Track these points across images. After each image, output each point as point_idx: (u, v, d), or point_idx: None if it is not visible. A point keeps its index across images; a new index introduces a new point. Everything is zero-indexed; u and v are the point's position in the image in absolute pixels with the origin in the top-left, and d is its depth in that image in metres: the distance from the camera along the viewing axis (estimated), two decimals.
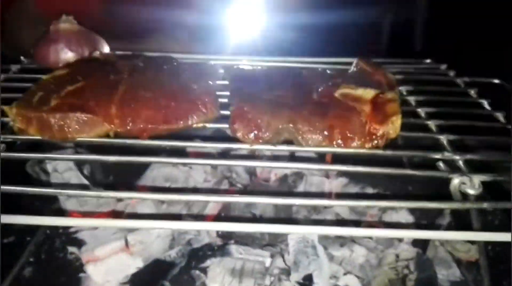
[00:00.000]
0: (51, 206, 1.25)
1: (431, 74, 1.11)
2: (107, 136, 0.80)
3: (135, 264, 1.08)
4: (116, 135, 0.80)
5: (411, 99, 0.98)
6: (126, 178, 1.37)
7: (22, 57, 1.08)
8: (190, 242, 1.15)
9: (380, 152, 0.86)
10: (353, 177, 1.40)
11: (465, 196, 0.68)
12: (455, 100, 0.97)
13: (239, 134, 0.85)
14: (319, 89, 1.01)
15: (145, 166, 1.35)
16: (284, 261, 1.08)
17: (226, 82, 0.97)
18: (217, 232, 1.20)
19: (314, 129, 0.91)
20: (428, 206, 0.71)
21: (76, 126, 0.79)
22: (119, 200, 1.29)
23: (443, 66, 1.15)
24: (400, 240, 1.19)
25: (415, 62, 1.18)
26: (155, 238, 1.14)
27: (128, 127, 0.81)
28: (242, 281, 1.02)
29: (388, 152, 0.85)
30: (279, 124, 0.91)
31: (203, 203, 1.25)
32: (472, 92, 1.00)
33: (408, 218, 1.26)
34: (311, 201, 0.75)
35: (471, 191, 0.68)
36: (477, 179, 0.69)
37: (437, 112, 0.92)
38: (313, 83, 0.99)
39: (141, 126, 0.81)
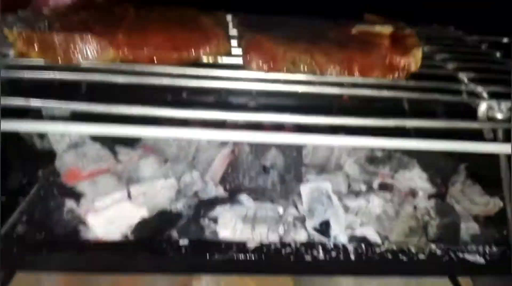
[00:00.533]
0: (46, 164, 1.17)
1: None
2: None
3: (139, 214, 1.01)
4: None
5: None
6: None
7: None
8: (197, 194, 1.08)
9: (402, 82, 0.82)
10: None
11: None
12: (467, 50, 0.96)
13: (253, 65, 0.80)
14: (335, 28, 0.98)
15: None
16: (297, 210, 1.02)
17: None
18: (225, 186, 1.13)
19: (333, 60, 0.87)
20: (459, 125, 0.68)
21: (82, 49, 0.74)
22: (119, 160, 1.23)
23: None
24: (414, 194, 1.15)
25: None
26: (159, 189, 1.07)
27: (136, 53, 0.76)
28: (255, 228, 0.96)
29: (411, 82, 0.82)
30: (295, 54, 0.87)
31: (210, 157, 1.19)
32: (483, 46, 1.00)
33: (422, 176, 1.22)
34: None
35: (499, 116, 0.66)
36: (505, 104, 0.67)
37: (451, 58, 0.90)
38: (328, 24, 0.96)
39: (150, 52, 0.77)
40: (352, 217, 1.03)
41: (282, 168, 1.11)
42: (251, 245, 0.87)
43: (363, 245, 0.89)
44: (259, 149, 1.15)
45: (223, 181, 1.15)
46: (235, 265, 0.87)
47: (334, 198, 1.03)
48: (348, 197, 1.08)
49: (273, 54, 0.86)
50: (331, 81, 0.81)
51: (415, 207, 1.06)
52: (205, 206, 1.02)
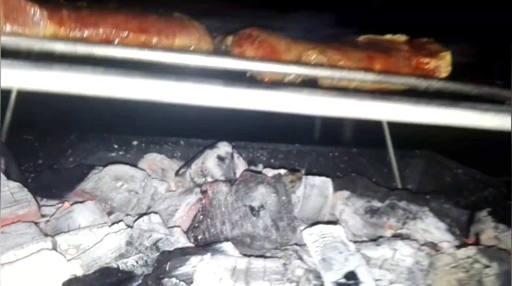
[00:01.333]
0: None
1: None
2: None
3: (69, 271, 0.65)
4: None
5: None
6: None
7: None
8: (157, 244, 0.75)
9: (436, 82, 0.64)
10: None
11: None
12: None
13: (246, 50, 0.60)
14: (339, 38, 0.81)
15: None
16: (303, 261, 0.73)
17: None
18: (196, 236, 0.82)
19: (348, 58, 0.68)
20: None
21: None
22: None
23: None
24: (435, 246, 0.89)
25: None
26: (100, 240, 0.73)
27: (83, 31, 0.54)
28: (251, 284, 0.64)
29: (449, 84, 0.64)
30: (303, 49, 0.68)
31: (171, 208, 0.89)
32: None
33: (439, 226, 0.98)
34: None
35: None
36: None
37: None
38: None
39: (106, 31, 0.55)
40: (376, 271, 0.75)
41: (274, 207, 0.83)
42: None
43: None
44: (242, 187, 0.87)
45: (193, 230, 0.84)
46: None
47: (351, 245, 0.75)
48: (367, 245, 0.80)
49: (273, 49, 0.66)
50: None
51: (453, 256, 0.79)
52: (170, 260, 0.69)
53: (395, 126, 1.39)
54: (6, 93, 1.12)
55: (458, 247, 0.89)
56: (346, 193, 1.12)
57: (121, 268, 0.69)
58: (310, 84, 0.68)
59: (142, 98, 0.51)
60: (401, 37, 0.83)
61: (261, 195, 0.84)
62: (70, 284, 0.62)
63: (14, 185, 0.83)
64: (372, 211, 1.06)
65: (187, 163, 1.09)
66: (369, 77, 0.62)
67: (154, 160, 1.16)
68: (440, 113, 0.57)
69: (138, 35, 0.64)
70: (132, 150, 1.28)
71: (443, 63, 0.75)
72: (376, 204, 1.09)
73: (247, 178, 0.90)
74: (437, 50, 0.77)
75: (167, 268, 0.67)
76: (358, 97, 0.55)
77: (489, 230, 0.92)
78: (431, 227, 0.97)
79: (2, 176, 0.83)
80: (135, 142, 1.29)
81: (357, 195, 1.14)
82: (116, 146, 1.27)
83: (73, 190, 0.95)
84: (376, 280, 0.72)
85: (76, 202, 0.86)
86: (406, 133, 1.58)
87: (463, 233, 1.01)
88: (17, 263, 0.64)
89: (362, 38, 0.83)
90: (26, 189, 0.84)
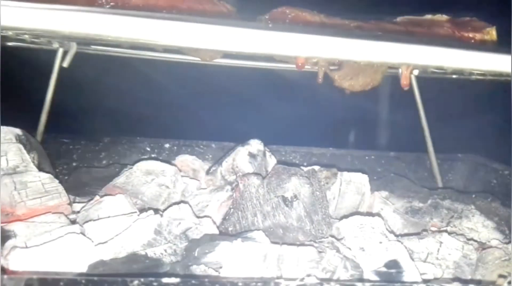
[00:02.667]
0: None
1: None
2: None
3: (95, 254, 0.64)
4: None
5: None
6: None
7: None
8: (186, 234, 0.72)
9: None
10: None
11: None
12: None
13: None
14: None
15: None
16: (339, 252, 0.68)
17: None
18: (226, 228, 0.79)
19: (387, 31, 0.65)
20: None
21: None
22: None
23: None
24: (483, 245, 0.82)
25: None
26: (128, 228, 0.71)
27: None
28: (283, 272, 0.60)
29: None
30: (338, 25, 0.65)
31: (201, 204, 0.86)
32: None
33: (487, 224, 0.91)
34: None
35: None
36: None
37: None
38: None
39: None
40: (420, 264, 0.69)
41: (308, 198, 0.79)
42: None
43: None
44: (274, 180, 0.83)
45: (224, 223, 0.81)
46: None
47: (392, 236, 0.70)
48: (409, 238, 0.74)
49: (305, 19, 0.63)
50: None
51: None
52: (199, 246, 0.66)
53: (435, 129, 1.33)
54: (42, 94, 1.15)
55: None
56: (384, 193, 1.06)
57: (149, 255, 0.67)
58: None
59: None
60: (442, 17, 0.79)
61: (294, 186, 0.80)
62: (96, 267, 0.60)
63: (45, 176, 0.83)
64: (414, 211, 1.00)
65: (218, 161, 1.06)
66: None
67: (185, 161, 1.15)
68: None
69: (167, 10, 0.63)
70: (164, 152, 1.27)
71: (488, 39, 0.70)
72: (418, 204, 1.03)
73: (279, 171, 0.86)
74: (482, 26, 0.72)
75: (196, 255, 0.64)
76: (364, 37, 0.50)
77: None
78: (478, 226, 0.90)
79: (34, 167, 0.84)
80: (167, 145, 1.28)
81: (396, 196, 1.08)
82: (148, 149, 1.27)
83: (105, 186, 0.94)
84: (420, 274, 0.66)
85: (106, 195, 0.85)
86: (448, 138, 1.51)
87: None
88: (45, 245, 0.63)
89: (400, 18, 0.80)
90: (57, 181, 0.83)
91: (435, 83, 1.38)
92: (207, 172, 1.07)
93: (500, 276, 0.63)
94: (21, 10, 0.46)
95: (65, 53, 1.14)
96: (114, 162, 1.22)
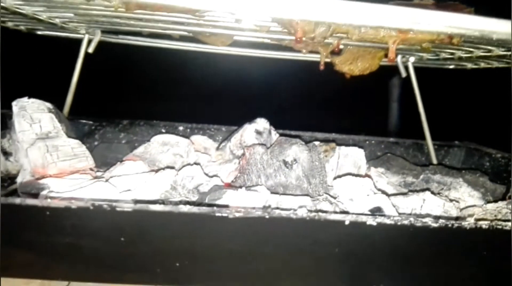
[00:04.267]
0: None
1: None
2: None
3: (117, 196, 0.74)
4: None
5: None
6: None
7: None
8: (198, 188, 0.82)
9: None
10: None
11: None
12: None
13: None
14: None
15: None
16: (332, 204, 0.77)
17: None
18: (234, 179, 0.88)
19: None
20: None
21: None
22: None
23: None
24: None
25: None
26: (148, 183, 0.81)
27: None
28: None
29: None
30: None
31: (211, 173, 0.96)
32: None
33: (473, 194, 0.99)
34: None
35: None
36: None
37: None
38: None
39: None
40: None
41: (306, 163, 0.88)
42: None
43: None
44: (277, 148, 0.93)
45: (231, 186, 0.90)
46: None
47: (380, 194, 0.79)
48: (396, 197, 0.83)
49: None
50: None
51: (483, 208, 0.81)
52: (209, 196, 0.76)
53: (433, 116, 1.42)
54: (68, 77, 1.27)
55: None
56: (381, 169, 1.15)
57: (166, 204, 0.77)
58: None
59: None
60: (428, 1, 0.88)
61: (294, 152, 0.89)
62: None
63: (74, 141, 0.93)
64: (407, 185, 1.09)
65: (227, 138, 1.16)
66: None
67: (197, 140, 1.25)
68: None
69: None
70: (178, 134, 1.37)
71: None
72: (411, 179, 1.11)
73: (282, 141, 0.96)
74: (462, 8, 0.81)
75: (206, 200, 0.74)
76: None
77: None
78: (465, 195, 0.99)
79: (63, 134, 0.94)
80: (180, 128, 1.38)
81: (392, 172, 1.16)
82: (163, 131, 1.37)
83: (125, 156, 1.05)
84: None
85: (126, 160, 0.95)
86: (444, 126, 1.60)
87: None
88: (76, 191, 0.73)
89: (392, 2, 0.89)
90: (84, 146, 0.94)
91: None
92: (217, 148, 1.17)
93: (469, 215, 0.72)
94: None
95: (89, 41, 1.25)
96: (133, 141, 1.32)
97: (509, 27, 0.59)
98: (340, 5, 0.58)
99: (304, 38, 0.74)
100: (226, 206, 0.67)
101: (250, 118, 1.18)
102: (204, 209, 0.57)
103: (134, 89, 1.50)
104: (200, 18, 0.83)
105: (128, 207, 0.56)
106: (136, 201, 0.69)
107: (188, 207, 0.58)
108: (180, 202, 0.78)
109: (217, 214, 0.55)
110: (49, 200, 0.59)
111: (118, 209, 0.55)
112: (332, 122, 1.58)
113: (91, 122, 1.34)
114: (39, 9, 0.90)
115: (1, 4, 0.80)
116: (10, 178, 1.00)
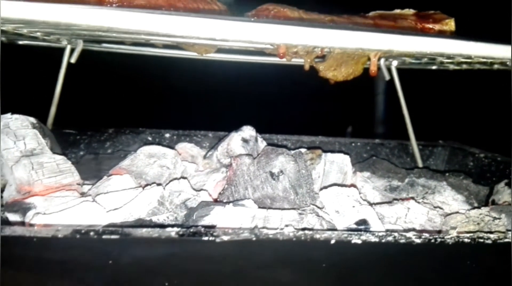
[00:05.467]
0: None
1: None
2: None
3: (106, 218, 0.74)
4: None
5: None
6: None
7: None
8: (185, 204, 0.82)
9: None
10: None
11: None
12: None
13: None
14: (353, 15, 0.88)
15: None
16: (319, 216, 0.78)
17: None
18: (220, 202, 0.89)
19: (357, 23, 0.75)
20: None
21: None
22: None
23: None
24: None
25: None
26: (135, 199, 0.81)
27: None
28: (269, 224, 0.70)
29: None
30: (314, 19, 0.75)
31: (199, 184, 0.96)
32: None
33: (457, 197, 1.01)
34: None
35: None
36: None
37: None
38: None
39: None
40: (389, 227, 0.79)
41: (293, 174, 0.89)
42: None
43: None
44: (264, 159, 0.93)
45: (219, 198, 0.91)
46: None
47: (364, 203, 0.80)
48: (381, 206, 0.84)
49: (286, 15, 0.74)
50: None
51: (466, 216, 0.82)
52: (196, 213, 0.76)
53: (416, 117, 1.43)
54: (51, 88, 1.25)
55: None
56: (366, 174, 1.16)
57: (153, 221, 0.77)
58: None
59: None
60: (409, 11, 0.89)
61: (281, 163, 0.90)
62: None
63: (59, 157, 0.93)
64: (392, 189, 1.10)
65: (214, 146, 1.17)
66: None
67: (184, 148, 1.24)
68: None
69: (166, 8, 0.73)
70: (164, 141, 1.37)
71: (447, 29, 0.80)
72: (396, 183, 1.13)
73: (268, 151, 0.96)
74: (442, 18, 0.82)
75: (194, 218, 0.74)
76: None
77: (505, 197, 0.95)
78: (449, 199, 1.00)
79: (48, 150, 0.94)
80: (167, 135, 1.38)
81: (377, 176, 1.18)
82: (150, 138, 1.37)
83: (112, 169, 1.04)
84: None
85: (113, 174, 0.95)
86: (428, 127, 1.62)
87: (482, 205, 1.03)
88: (63, 212, 0.73)
89: (372, 13, 0.90)
90: (70, 162, 0.93)
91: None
92: (204, 157, 1.17)
93: (452, 228, 0.73)
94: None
95: (72, 51, 1.24)
96: (119, 150, 1.32)
97: (477, 47, 0.60)
98: (317, 32, 0.58)
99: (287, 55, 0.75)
100: (213, 227, 0.68)
101: (237, 121, 1.18)
102: (190, 233, 0.58)
103: (119, 97, 1.49)
104: None
105: (114, 234, 0.56)
106: (122, 225, 0.69)
107: (175, 230, 0.58)
108: (168, 219, 0.78)
109: (203, 238, 0.56)
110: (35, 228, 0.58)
111: (104, 237, 0.55)
112: (320, 117, 1.59)
113: (75, 132, 1.33)
114: (20, 25, 0.89)
115: None
116: None
